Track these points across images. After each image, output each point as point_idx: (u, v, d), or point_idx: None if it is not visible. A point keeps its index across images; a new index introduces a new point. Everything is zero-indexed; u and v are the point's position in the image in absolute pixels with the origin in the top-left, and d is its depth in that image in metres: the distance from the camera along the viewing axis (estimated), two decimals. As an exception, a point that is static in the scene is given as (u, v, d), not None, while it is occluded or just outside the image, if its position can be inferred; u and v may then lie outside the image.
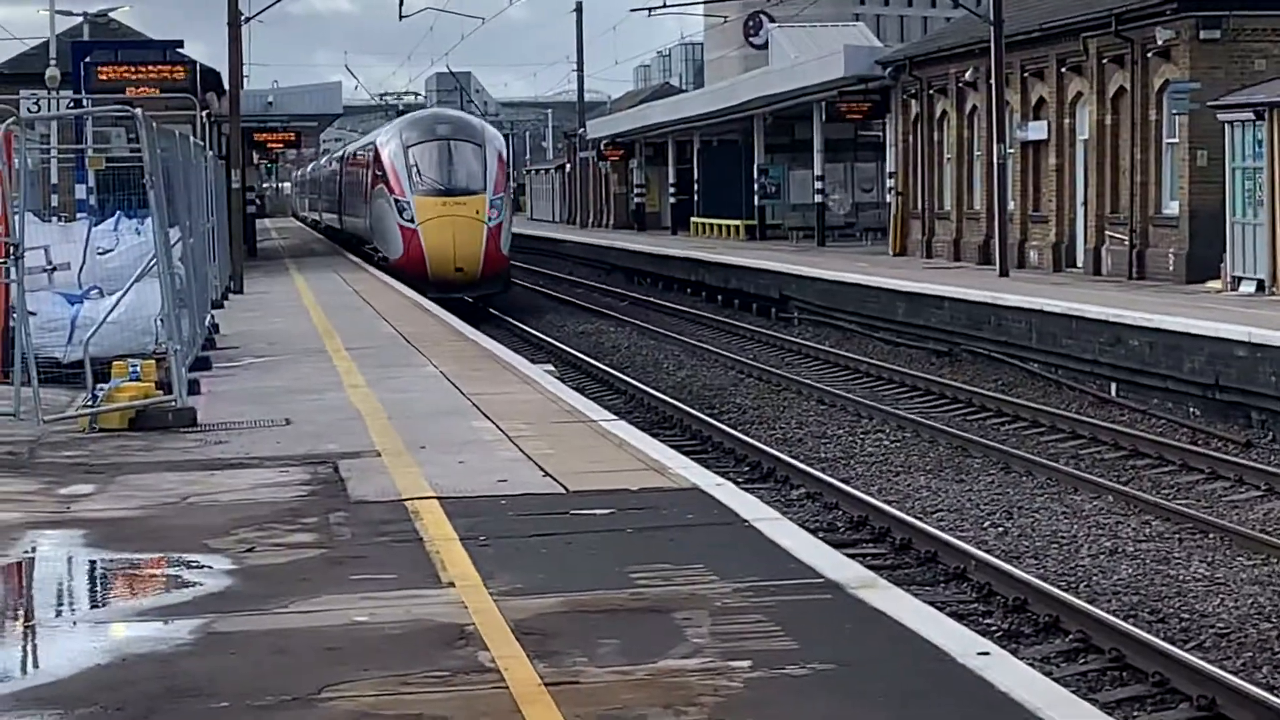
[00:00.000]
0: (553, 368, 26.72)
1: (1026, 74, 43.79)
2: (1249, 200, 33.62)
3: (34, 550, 11.84)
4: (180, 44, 50.48)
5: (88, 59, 46.14)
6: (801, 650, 8.67)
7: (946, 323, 35.37)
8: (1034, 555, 17.12)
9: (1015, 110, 43.89)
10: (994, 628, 14.17)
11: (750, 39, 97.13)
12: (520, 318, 45.68)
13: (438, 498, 13.07)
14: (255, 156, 64.23)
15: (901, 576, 15.63)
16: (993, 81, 41.64)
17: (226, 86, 47.35)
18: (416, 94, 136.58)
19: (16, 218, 19.26)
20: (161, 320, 19.37)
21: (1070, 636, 13.74)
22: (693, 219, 72.77)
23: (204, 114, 45.22)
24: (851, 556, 12.22)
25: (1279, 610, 14.75)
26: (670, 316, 47.14)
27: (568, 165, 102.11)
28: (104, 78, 45.23)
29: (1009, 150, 42.50)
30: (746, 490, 14.54)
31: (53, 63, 47.70)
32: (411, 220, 45.40)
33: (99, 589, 11.06)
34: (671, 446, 16.79)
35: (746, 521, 12.03)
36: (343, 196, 64.67)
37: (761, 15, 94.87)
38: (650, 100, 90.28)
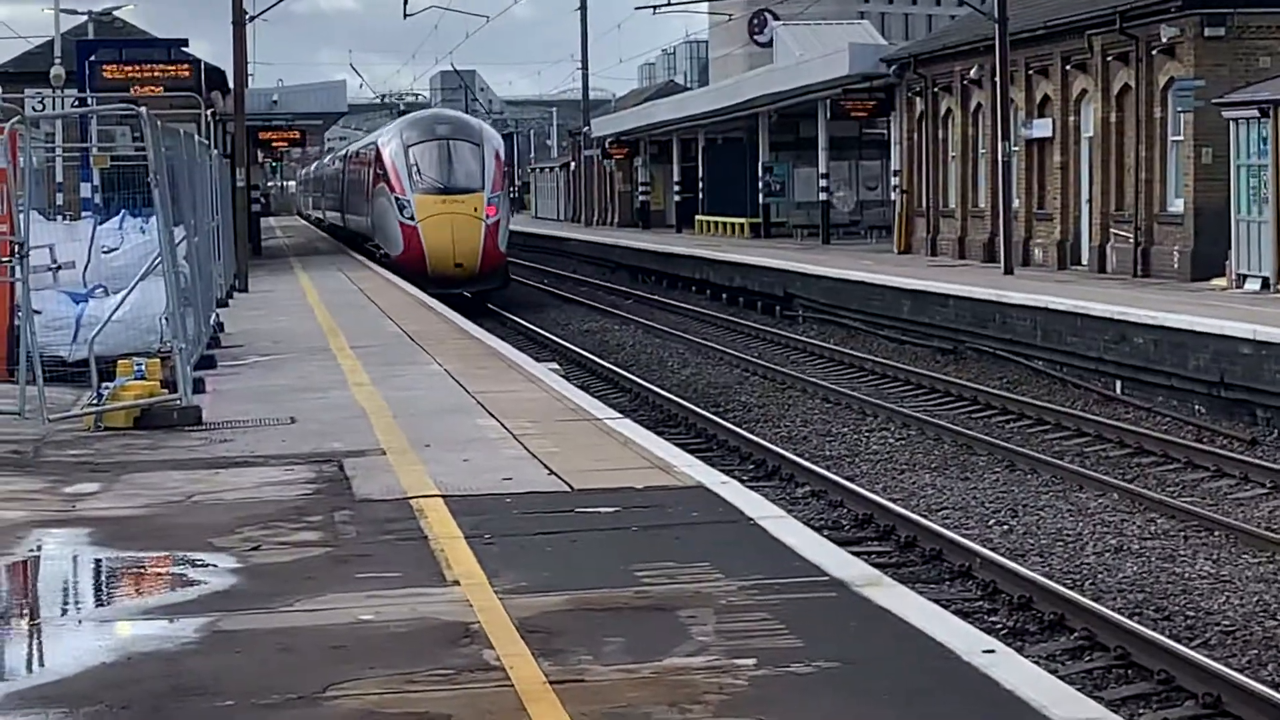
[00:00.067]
0: (558, 366, 26.70)
1: (1031, 71, 43.78)
2: (1254, 198, 33.61)
3: (39, 549, 11.85)
4: (185, 43, 50.56)
5: (93, 58, 46.19)
6: (806, 648, 8.67)
7: (951, 320, 35.36)
8: (1039, 553, 17.12)
9: (1020, 108, 43.87)
10: (999, 625, 14.17)
11: (755, 37, 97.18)
12: (525, 315, 45.72)
13: (442, 496, 13.07)
14: (260, 155, 64.34)
15: (906, 574, 15.62)
16: (997, 79, 41.62)
17: (231, 85, 47.39)
18: (417, 95, 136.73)
19: (22, 216, 19.28)
20: (166, 319, 19.37)
21: (1075, 634, 13.74)
22: (697, 217, 72.75)
23: (208, 112, 45.21)
24: (856, 554, 12.22)
25: (1284, 608, 14.75)
26: (675, 314, 47.15)
27: (572, 163, 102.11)
28: (109, 76, 45.29)
29: (1014, 148, 42.45)
30: (751, 488, 14.55)
31: (57, 61, 47.79)
32: (412, 218, 46.50)
33: (104, 587, 11.06)
34: (676, 444, 16.80)
35: (751, 519, 12.03)
36: (345, 195, 65.73)
37: (766, 13, 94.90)
38: (655, 98, 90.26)
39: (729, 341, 39.53)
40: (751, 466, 22.17)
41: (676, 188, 77.98)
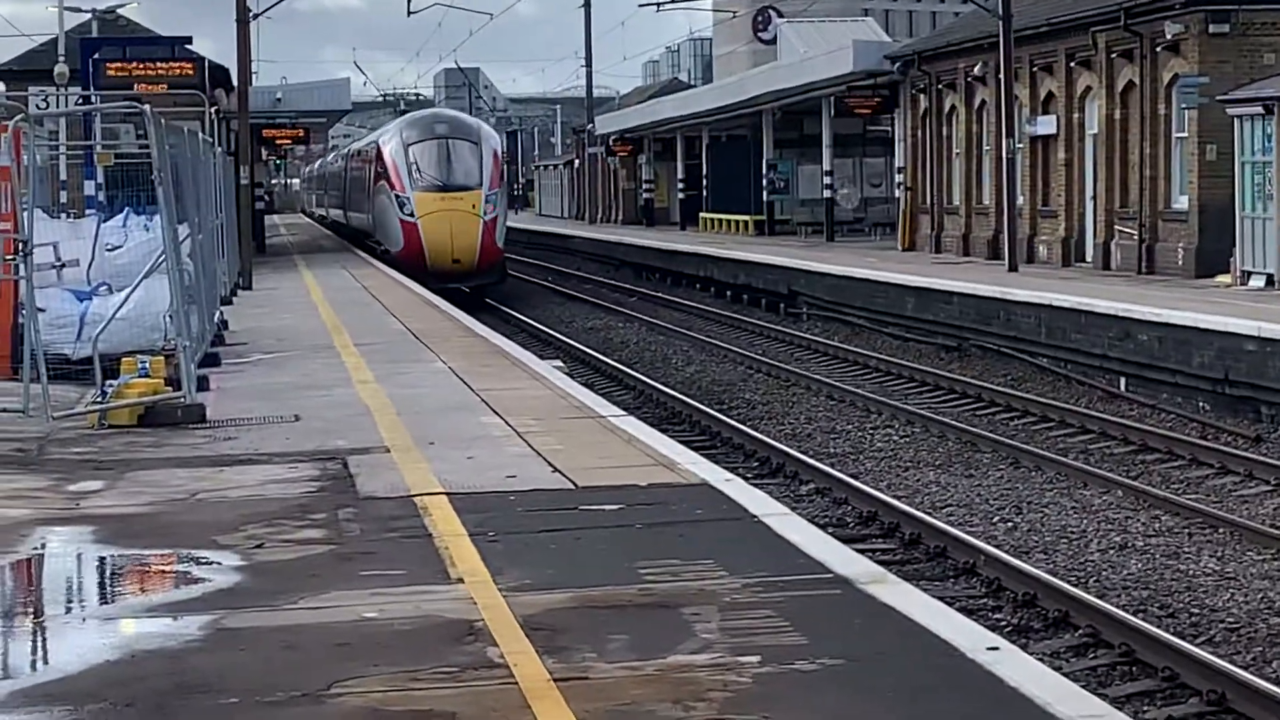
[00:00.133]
0: (561, 363, 26.71)
1: (1035, 69, 43.76)
2: (1258, 194, 33.60)
3: (43, 547, 11.85)
4: (189, 40, 50.55)
5: (96, 55, 46.18)
6: (811, 645, 8.66)
7: (955, 318, 35.35)
8: (1043, 550, 17.11)
9: (1024, 105, 43.86)
10: (1003, 623, 14.16)
11: (759, 34, 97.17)
12: (529, 313, 45.75)
13: (447, 493, 13.07)
14: (264, 153, 64.26)
15: (911, 571, 15.62)
16: (1001, 76, 41.59)
17: (235, 83, 47.39)
18: (418, 95, 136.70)
19: (25, 214, 19.31)
20: (170, 316, 19.38)
21: (1080, 631, 13.74)
22: (701, 214, 72.73)
23: (212, 110, 45.23)
24: (861, 552, 12.21)
25: (1289, 605, 14.74)
26: (679, 312, 47.15)
27: (576, 161, 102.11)
28: (112, 74, 45.28)
29: (1018, 145, 42.45)
30: (755, 486, 14.54)
31: (61, 59, 47.77)
32: (411, 214, 47.79)
33: (108, 585, 11.07)
34: (680, 442, 16.80)
35: (755, 517, 12.03)
36: (348, 193, 66.92)
37: (770, 10, 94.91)
38: (659, 96, 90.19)
39: (733, 339, 39.53)
40: (756, 464, 22.16)
41: (681, 185, 77.95)
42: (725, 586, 9.94)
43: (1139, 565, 16.36)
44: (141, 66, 46.07)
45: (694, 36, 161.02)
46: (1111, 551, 17.00)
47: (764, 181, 65.36)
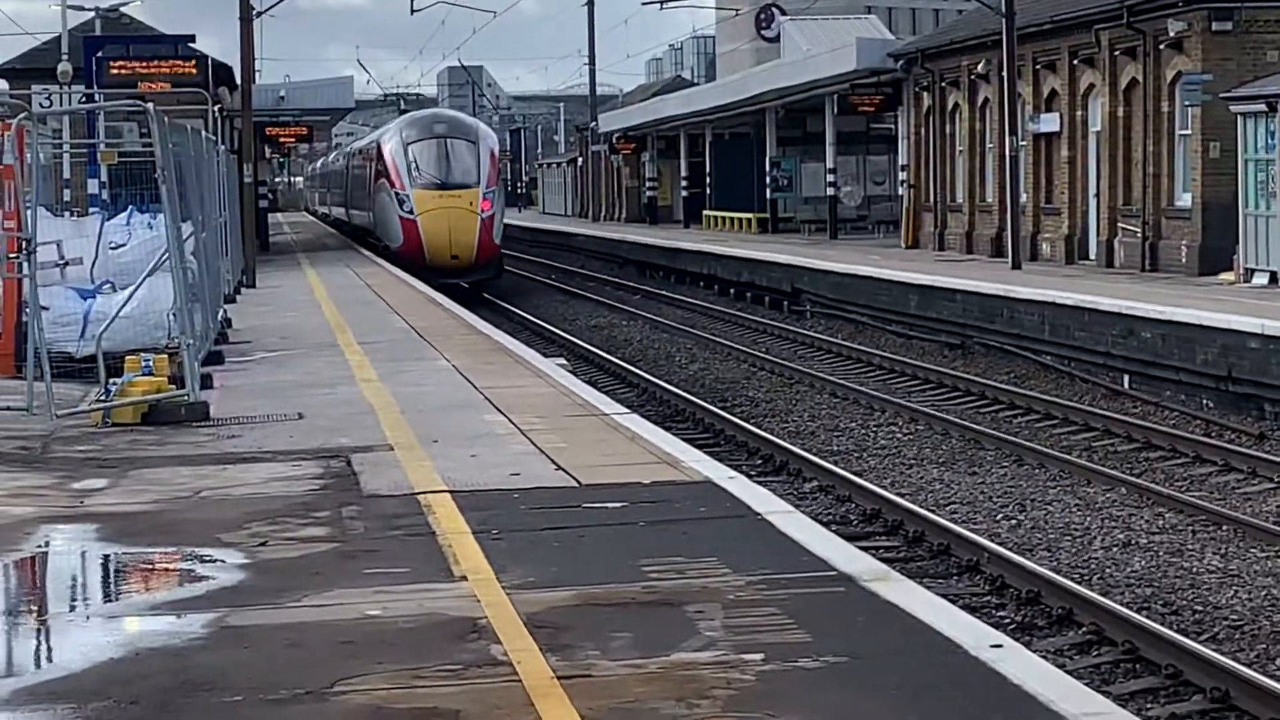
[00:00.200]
0: (565, 361, 26.71)
1: (1038, 66, 43.75)
2: (1261, 192, 33.60)
3: (47, 545, 11.86)
4: (192, 38, 50.53)
5: (99, 54, 46.19)
6: (814, 643, 8.67)
7: (959, 315, 35.34)
8: (1047, 548, 17.11)
9: (1027, 102, 43.85)
10: (1007, 620, 14.16)
11: (762, 32, 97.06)
12: (532, 311, 45.78)
13: (450, 491, 13.07)
14: (267, 151, 64.28)
15: (914, 569, 15.62)
16: (1005, 74, 41.58)
17: (238, 81, 47.39)
18: (419, 94, 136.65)
19: (29, 213, 19.31)
20: (174, 315, 19.40)
21: (1083, 629, 13.73)
22: (705, 212, 72.71)
23: (216, 108, 45.28)
24: (864, 549, 12.20)
25: (1292, 602, 14.74)
26: (682, 310, 47.15)
27: (579, 159, 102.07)
28: (116, 72, 45.29)
29: (1021, 143, 42.45)
30: (759, 483, 14.55)
31: (64, 58, 47.77)
32: (411, 212, 49.01)
33: (112, 583, 11.07)
34: (684, 440, 16.80)
35: (759, 514, 12.03)
36: (349, 191, 68.14)
37: (773, 8, 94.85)
38: (662, 93, 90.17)
39: (736, 336, 39.52)
40: (759, 461, 22.16)
41: (684, 183, 77.93)
42: (729, 584, 9.94)
43: (1142, 563, 16.36)
44: (145, 65, 46.07)
45: (697, 34, 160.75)
46: (1115, 549, 17.00)
47: (767, 179, 65.34)
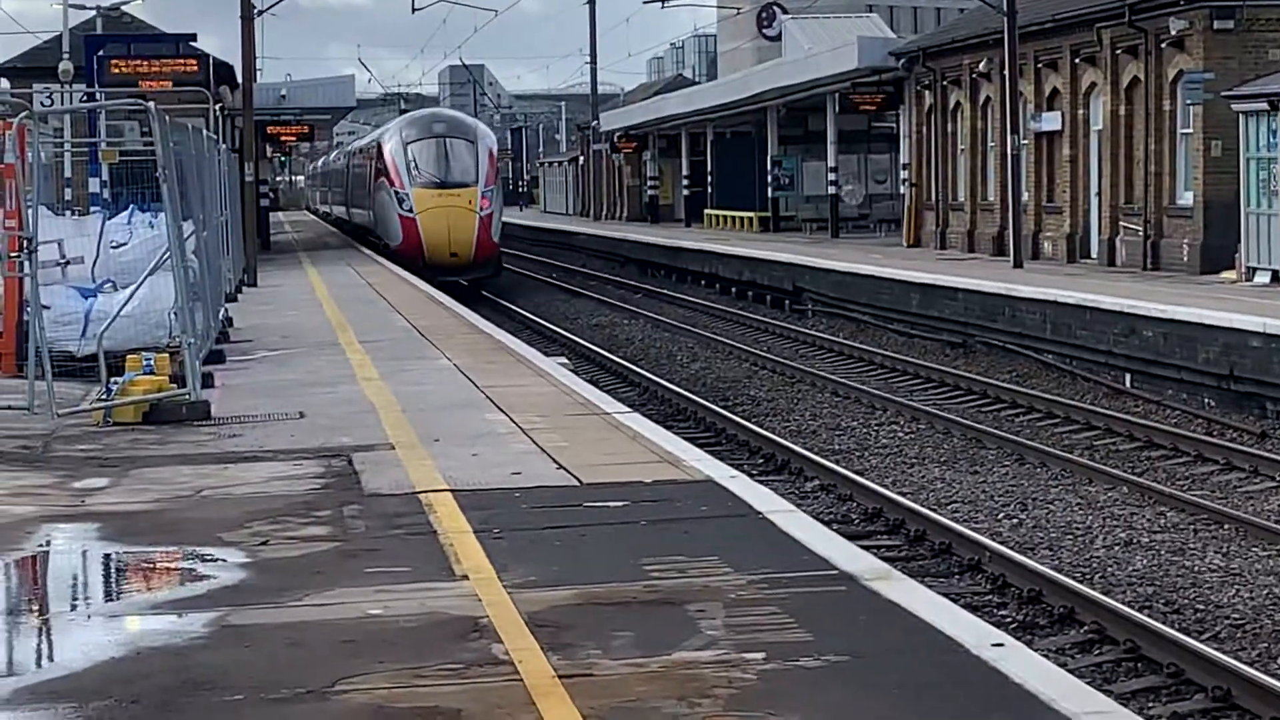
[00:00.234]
0: (566, 360, 26.70)
1: (1040, 65, 43.75)
2: (1263, 190, 33.59)
3: (48, 544, 11.86)
4: (193, 37, 50.54)
5: (101, 53, 46.18)
6: (815, 642, 8.66)
7: (961, 314, 35.34)
8: (1049, 546, 17.10)
9: (1029, 101, 43.85)
10: (1009, 619, 14.16)
11: (764, 31, 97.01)
12: (533, 310, 45.80)
13: (451, 490, 13.07)
14: (268, 150, 64.29)
15: (916, 568, 15.62)
16: (1006, 72, 41.59)
17: (239, 80, 47.39)
18: (419, 95, 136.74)
19: (30, 211, 19.30)
20: (175, 314, 19.39)
21: (1085, 628, 13.73)
22: (706, 211, 72.72)
23: (217, 107, 45.28)
24: (865, 548, 12.19)
25: (1294, 601, 14.73)
26: (684, 309, 47.15)
27: (581, 158, 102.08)
28: (117, 71, 45.28)
29: (1023, 141, 42.45)
30: (760, 482, 14.53)
31: (66, 56, 47.79)
32: (410, 210, 49.80)
33: (113, 582, 11.07)
34: (685, 439, 16.79)
35: (760, 513, 12.02)
36: (350, 189, 69.06)
37: (775, 7, 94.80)
38: (663, 92, 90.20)
39: (738, 335, 39.52)
40: (761, 460, 22.16)
41: (685, 182, 77.94)
42: (730, 583, 9.94)
43: (1144, 561, 16.36)
44: (146, 63, 46.06)
45: (698, 33, 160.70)
46: (1116, 548, 16.99)
47: (769, 178, 65.35)
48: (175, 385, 18.14)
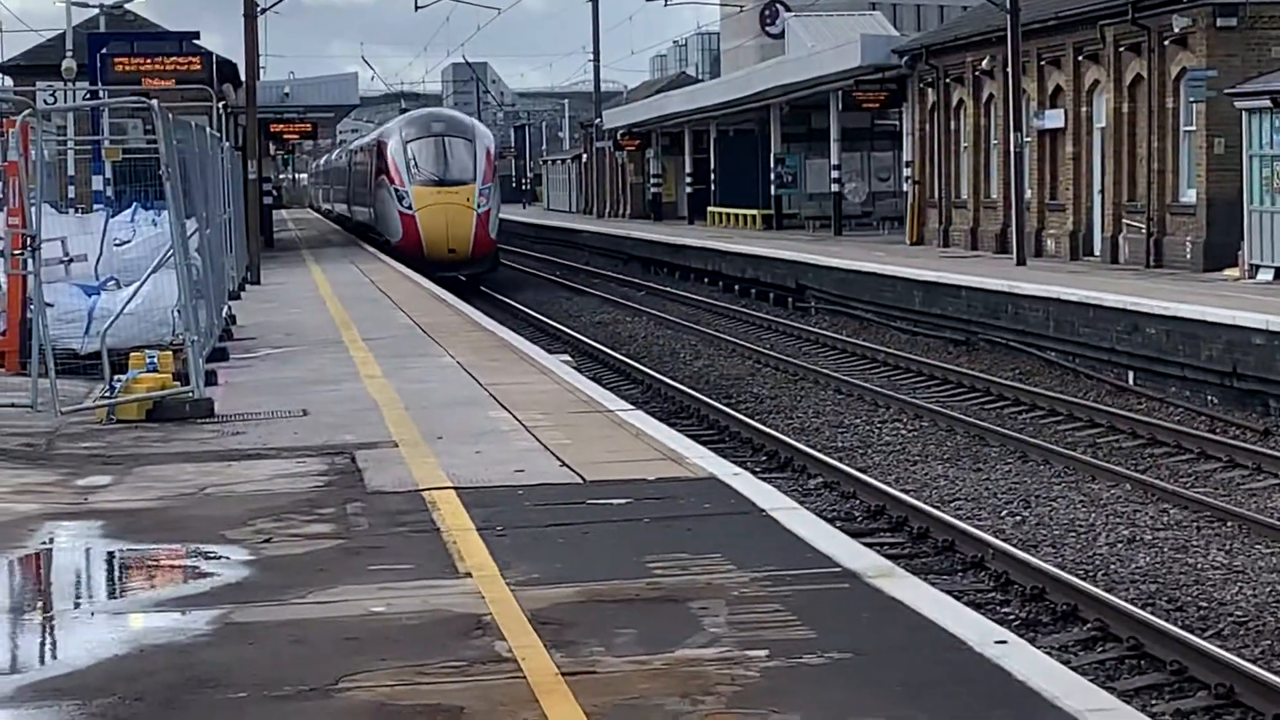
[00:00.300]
0: (569, 358, 26.73)
1: (1043, 62, 43.72)
2: (1266, 188, 33.57)
3: (51, 541, 11.87)
4: (196, 35, 50.50)
5: (104, 50, 46.15)
6: (819, 639, 8.67)
7: (964, 311, 35.34)
8: (1052, 544, 17.10)
9: (1032, 99, 43.82)
10: (1012, 616, 14.16)
11: (767, 28, 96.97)
12: (536, 307, 45.81)
13: (455, 488, 13.08)
14: (272, 147, 64.33)
15: (919, 565, 15.62)
16: (1009, 70, 41.57)
17: (243, 77, 47.39)
18: (417, 95, 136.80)
19: (33, 209, 19.30)
20: (178, 311, 19.40)
21: (1088, 625, 13.73)
22: (709, 209, 72.71)
23: (220, 105, 45.22)
24: (869, 545, 12.20)
25: (1297, 598, 14.73)
26: (687, 306, 47.15)
27: (584, 155, 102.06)
28: (120, 69, 45.24)
29: (1026, 139, 42.42)
30: (763, 479, 14.53)
31: (69, 54, 47.79)
32: (410, 207, 51.11)
33: (116, 580, 11.08)
34: (688, 436, 16.80)
35: (763, 511, 12.03)
36: (351, 187, 70.53)
37: (778, 5, 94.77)
38: (667, 90, 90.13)
39: (741, 333, 39.52)
40: (764, 458, 22.16)
41: (688, 179, 77.94)
42: (733, 580, 9.94)
43: (1147, 559, 16.35)
44: (149, 61, 46.03)
45: (701, 31, 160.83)
46: (1120, 545, 16.99)
47: (771, 176, 65.34)
48: (178, 383, 18.15)
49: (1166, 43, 37.64)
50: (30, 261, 18.71)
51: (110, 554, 11.61)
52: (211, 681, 8.22)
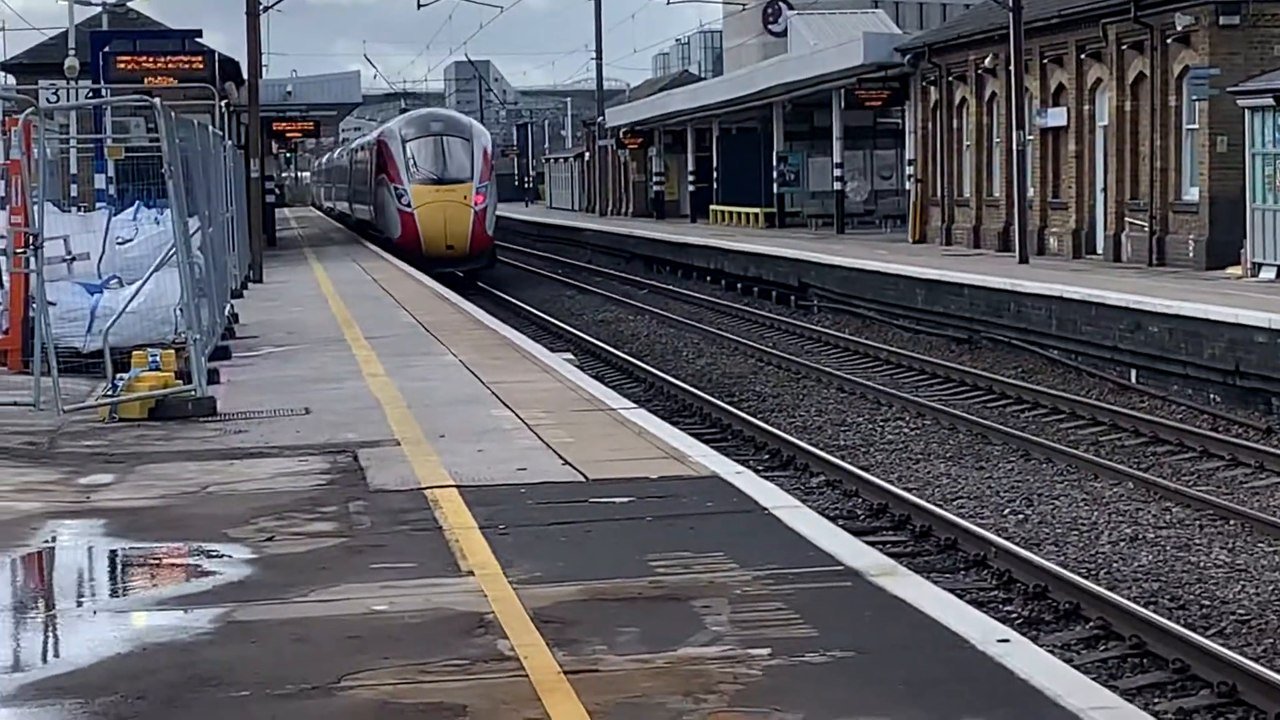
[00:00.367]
0: (572, 356, 26.72)
1: (1046, 60, 43.70)
2: (1269, 186, 33.55)
3: (54, 540, 11.87)
4: (199, 33, 50.56)
5: (106, 49, 46.18)
6: (821, 638, 8.66)
7: (966, 310, 35.33)
8: (1054, 542, 17.10)
9: (1035, 97, 43.80)
10: (1014, 615, 14.15)
11: (769, 26, 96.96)
12: (539, 305, 45.81)
13: (457, 486, 13.08)
14: (274, 146, 64.38)
15: (921, 564, 15.62)
16: (1012, 68, 41.55)
17: (245, 76, 47.40)
18: (419, 95, 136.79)
19: (36, 208, 19.31)
20: (181, 310, 19.40)
21: (1091, 623, 13.72)
22: (712, 207, 72.70)
23: (223, 103, 45.29)
24: (871, 544, 12.21)
25: (1300, 597, 14.72)
26: (689, 304, 47.15)
27: (587, 154, 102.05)
28: (123, 67, 45.27)
29: (1028, 137, 42.41)
30: (766, 478, 14.54)
31: (71, 53, 47.82)
32: (409, 205, 52.13)
33: (119, 578, 11.08)
34: (691, 434, 16.80)
35: (766, 509, 12.03)
36: (352, 186, 71.59)
37: (781, 3, 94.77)
38: (669, 88, 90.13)
39: (743, 331, 39.51)
40: (766, 456, 22.16)
41: (691, 178, 77.92)
42: (735, 579, 9.94)
43: (1149, 557, 16.35)
44: (152, 60, 46.06)
45: (704, 29, 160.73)
46: (1122, 543, 16.99)
47: (774, 174, 65.34)
48: (181, 381, 18.16)
49: (1169, 41, 37.62)
50: (33, 260, 18.71)
51: (113, 552, 11.62)
52: (214, 680, 8.22)
